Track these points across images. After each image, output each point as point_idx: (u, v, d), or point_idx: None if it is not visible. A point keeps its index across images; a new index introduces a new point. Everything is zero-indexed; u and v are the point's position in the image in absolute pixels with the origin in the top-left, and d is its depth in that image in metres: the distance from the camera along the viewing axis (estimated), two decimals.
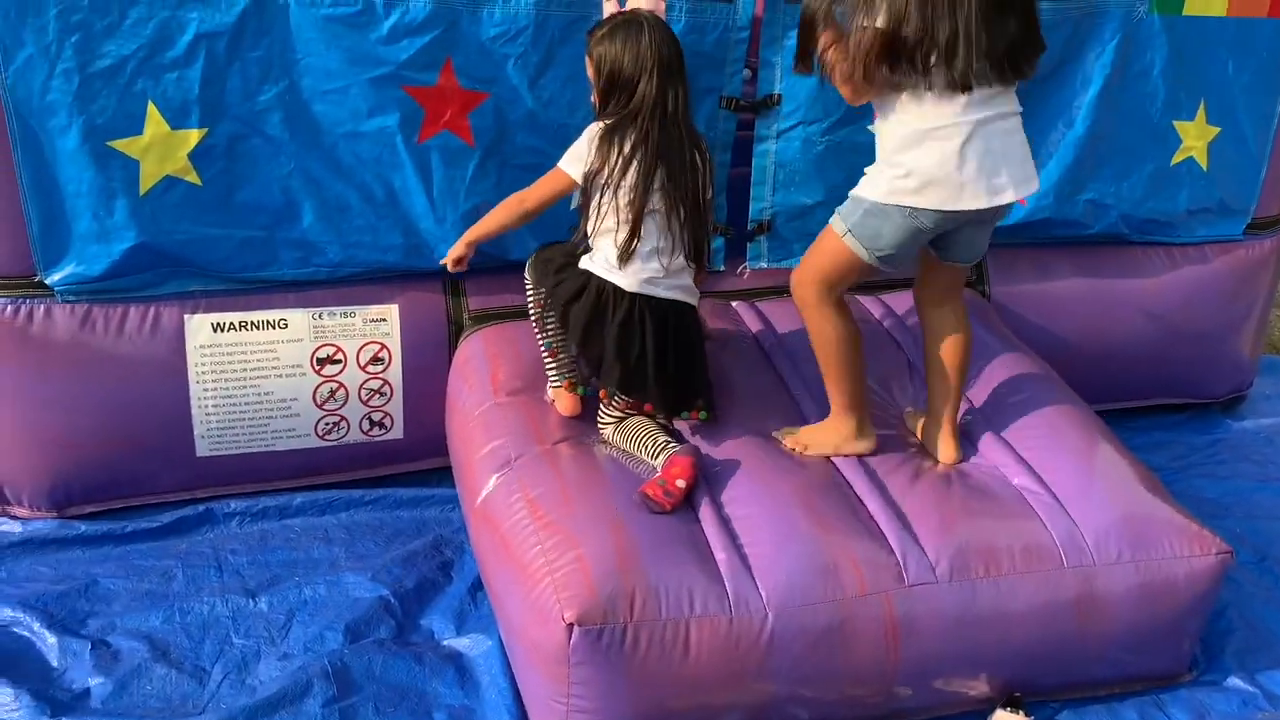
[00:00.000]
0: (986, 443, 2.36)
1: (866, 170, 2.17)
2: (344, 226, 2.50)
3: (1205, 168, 3.01)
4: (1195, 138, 2.97)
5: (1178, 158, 2.98)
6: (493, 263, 2.61)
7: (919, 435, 2.40)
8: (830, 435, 2.30)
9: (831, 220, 2.20)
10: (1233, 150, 3.02)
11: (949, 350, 2.30)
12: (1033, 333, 2.96)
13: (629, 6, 2.25)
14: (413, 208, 2.51)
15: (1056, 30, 2.72)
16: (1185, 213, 3.06)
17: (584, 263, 2.25)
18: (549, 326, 2.34)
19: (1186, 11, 2.82)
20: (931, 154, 2.06)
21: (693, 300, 2.29)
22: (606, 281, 2.21)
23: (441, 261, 2.42)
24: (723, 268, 2.84)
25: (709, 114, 2.64)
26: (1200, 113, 2.94)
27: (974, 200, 2.07)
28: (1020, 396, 2.46)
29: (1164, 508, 2.16)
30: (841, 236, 2.17)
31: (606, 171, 2.16)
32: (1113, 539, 2.08)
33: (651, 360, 2.21)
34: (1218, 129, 2.98)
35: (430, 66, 2.40)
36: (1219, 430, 3.27)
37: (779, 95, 2.66)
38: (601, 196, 2.18)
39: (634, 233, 2.16)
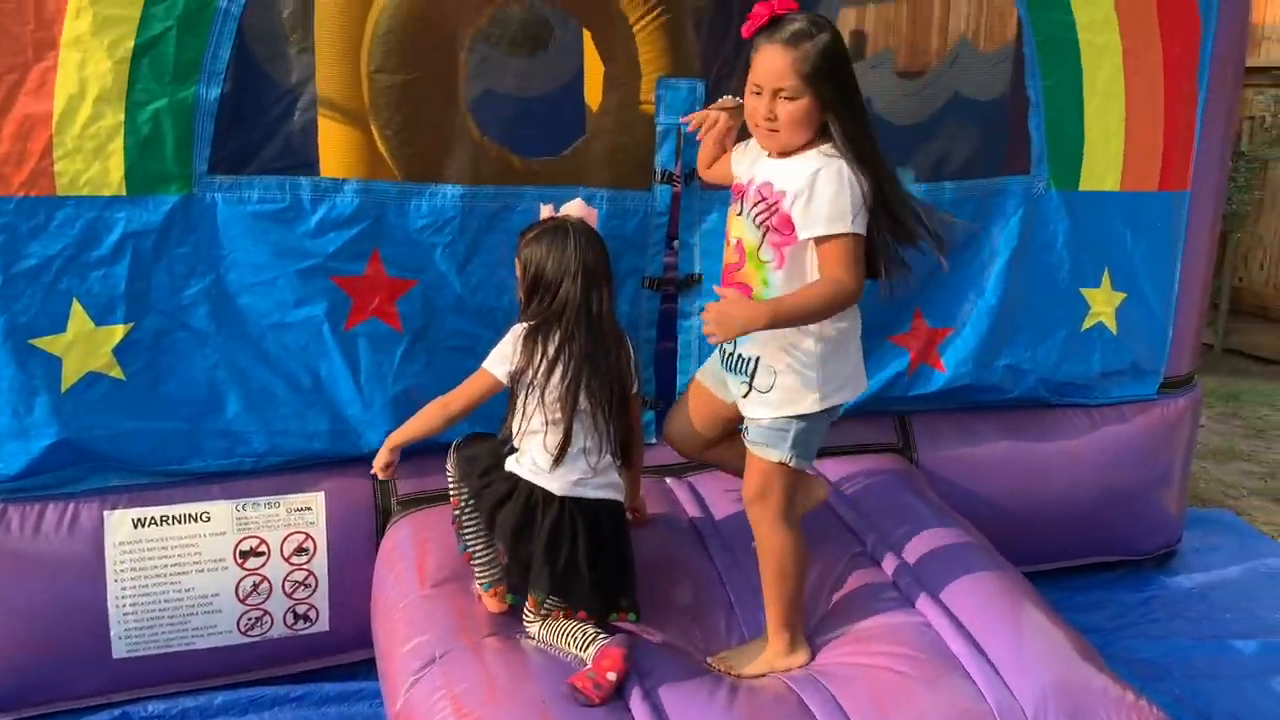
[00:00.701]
0: (923, 605, 2.35)
1: (772, 382, 2.14)
2: (270, 415, 2.49)
3: (1115, 331, 3.13)
4: (1103, 304, 3.09)
5: (1088, 323, 3.10)
6: (422, 445, 2.60)
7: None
8: (766, 655, 2.22)
9: (759, 452, 2.18)
10: (1139, 314, 3.15)
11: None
12: (962, 496, 3.00)
13: (561, 213, 2.32)
14: (339, 394, 2.52)
15: (963, 206, 2.88)
16: (1099, 375, 3.16)
17: (510, 465, 2.23)
18: (468, 528, 2.29)
19: (1083, 187, 3.00)
20: (854, 353, 2.20)
21: (620, 496, 2.27)
22: (535, 485, 2.19)
23: (371, 471, 2.37)
24: (654, 440, 2.86)
25: (633, 294, 2.71)
26: (1105, 280, 3.08)
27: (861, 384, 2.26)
28: (951, 563, 2.46)
29: (1100, 677, 2.14)
30: (782, 462, 2.17)
31: (532, 372, 2.17)
32: (1050, 711, 2.06)
33: (584, 563, 2.18)
34: (1123, 294, 3.12)
35: (358, 257, 2.46)
36: (1152, 587, 3.29)
37: (699, 274, 2.75)
38: (528, 398, 2.19)
39: (566, 437, 2.16)
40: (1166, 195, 3.08)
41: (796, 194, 2.04)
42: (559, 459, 2.17)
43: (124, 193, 2.28)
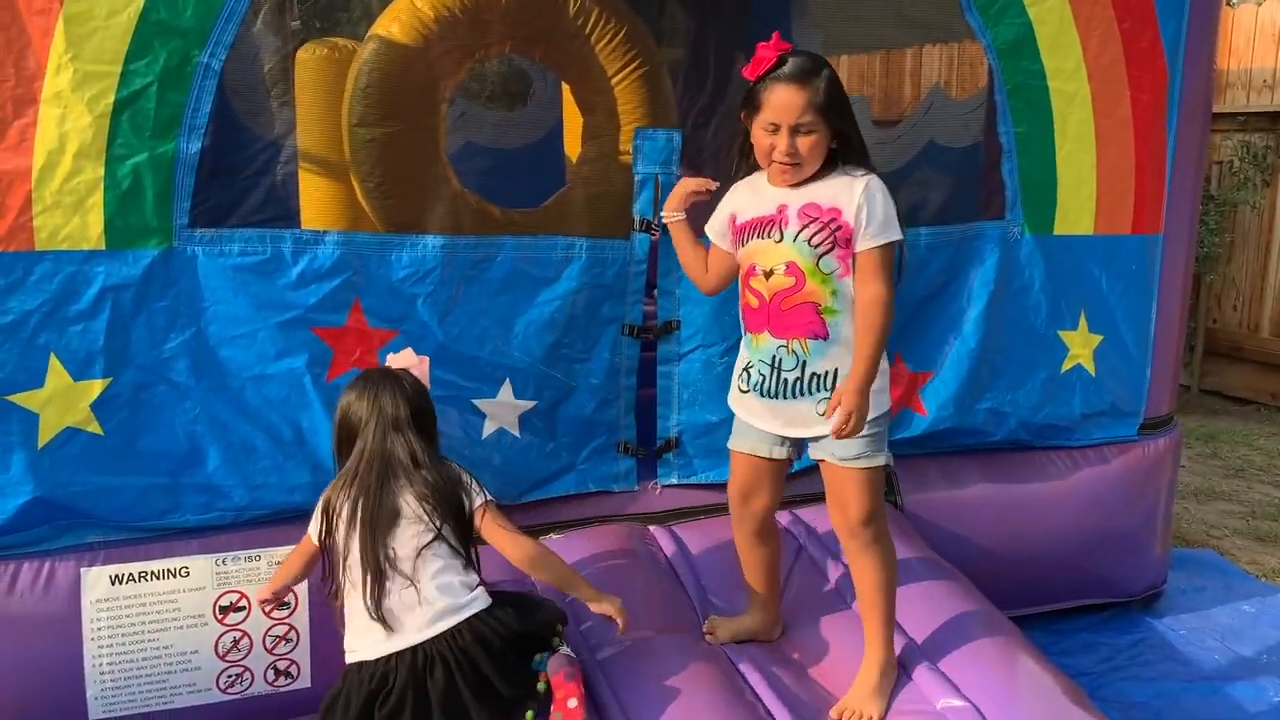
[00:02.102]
0: (909, 660, 2.33)
1: (848, 385, 2.15)
2: (250, 469, 2.47)
3: (1094, 373, 3.16)
4: (1081, 346, 3.12)
5: (1067, 365, 3.12)
6: None
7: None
8: (881, 682, 2.23)
9: (860, 464, 2.23)
10: (1117, 356, 3.18)
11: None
12: (946, 541, 2.99)
13: (389, 363, 2.30)
14: (321, 446, 2.49)
15: (940, 251, 2.91)
16: (1080, 417, 3.18)
17: (348, 658, 2.13)
18: None
19: (1057, 231, 3.04)
20: None
21: (469, 610, 2.10)
22: (365, 662, 2.09)
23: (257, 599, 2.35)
24: (635, 487, 2.85)
25: (613, 340, 2.72)
26: (1082, 322, 3.11)
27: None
28: (937, 610, 2.46)
29: None
30: (885, 465, 2.26)
31: (337, 543, 2.13)
32: None
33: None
34: (1100, 337, 3.14)
35: (339, 308, 2.46)
36: (1140, 629, 3.28)
37: (678, 321, 2.76)
38: (339, 572, 2.14)
39: (377, 594, 2.07)
40: (1140, 239, 3.13)
41: (856, 208, 2.16)
42: (380, 617, 2.07)
43: (103, 247, 2.27)
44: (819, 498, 2.63)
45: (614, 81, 2.98)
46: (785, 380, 2.23)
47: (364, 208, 2.87)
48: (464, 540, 2.17)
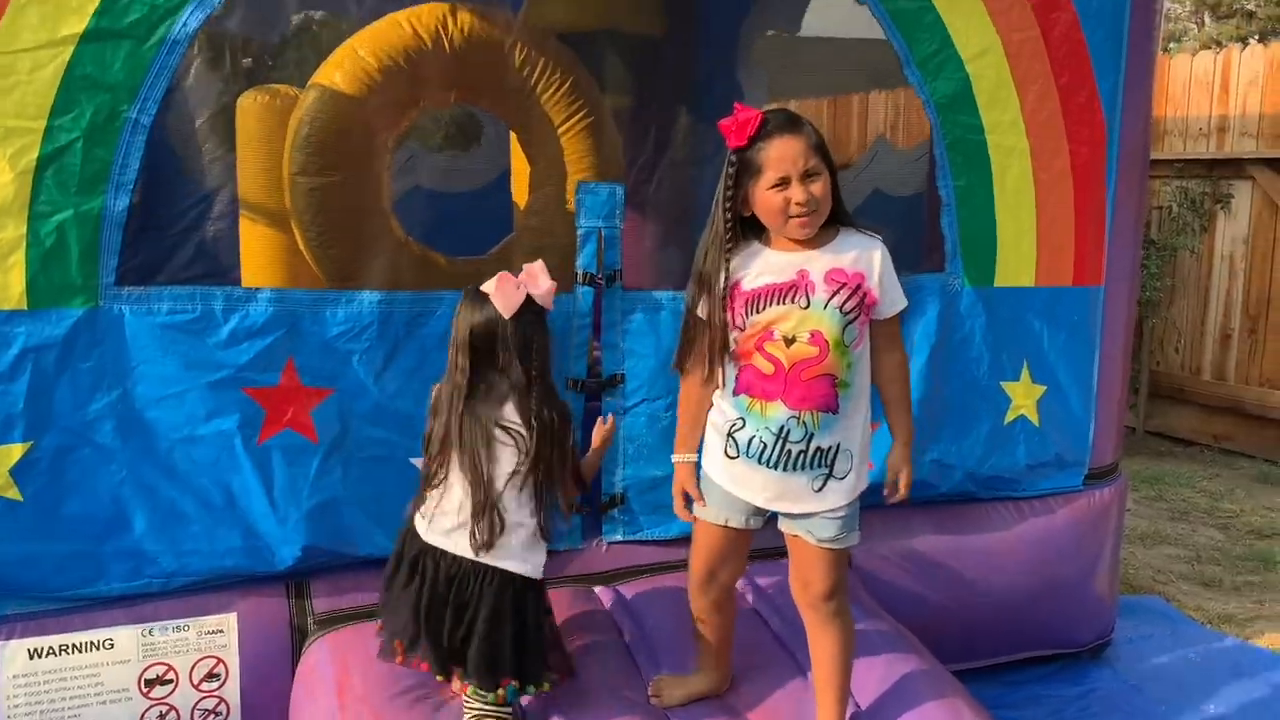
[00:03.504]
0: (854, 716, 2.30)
1: (850, 465, 2.22)
2: (179, 534, 2.39)
3: (1037, 424, 3.16)
4: (1024, 397, 3.13)
5: (1010, 416, 3.12)
6: (339, 560, 2.53)
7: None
8: None
9: (839, 545, 2.23)
10: (1059, 407, 3.19)
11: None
12: (893, 594, 2.97)
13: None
14: (252, 509, 2.42)
15: None
16: (1026, 468, 3.18)
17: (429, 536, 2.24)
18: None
19: (998, 283, 3.05)
20: None
21: (519, 570, 2.20)
22: (412, 532, 2.24)
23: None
24: (580, 545, 2.80)
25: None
26: (1024, 373, 3.12)
27: None
28: (880, 667, 2.43)
29: None
30: (855, 544, 2.28)
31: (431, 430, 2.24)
32: None
33: (423, 608, 2.17)
34: (1043, 388, 3.15)
35: (271, 367, 2.39)
36: (1089, 680, 3.27)
37: (623, 375, 2.73)
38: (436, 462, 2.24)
39: (429, 482, 2.23)
40: (1081, 290, 3.15)
41: (880, 273, 2.18)
42: (441, 510, 2.20)
43: (24, 306, 2.20)
44: (764, 554, 2.61)
45: (560, 132, 2.98)
46: (789, 452, 2.18)
47: (306, 258, 2.83)
48: (550, 484, 2.23)
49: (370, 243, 2.75)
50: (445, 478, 2.21)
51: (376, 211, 2.90)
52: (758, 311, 2.18)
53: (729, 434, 2.24)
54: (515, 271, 2.49)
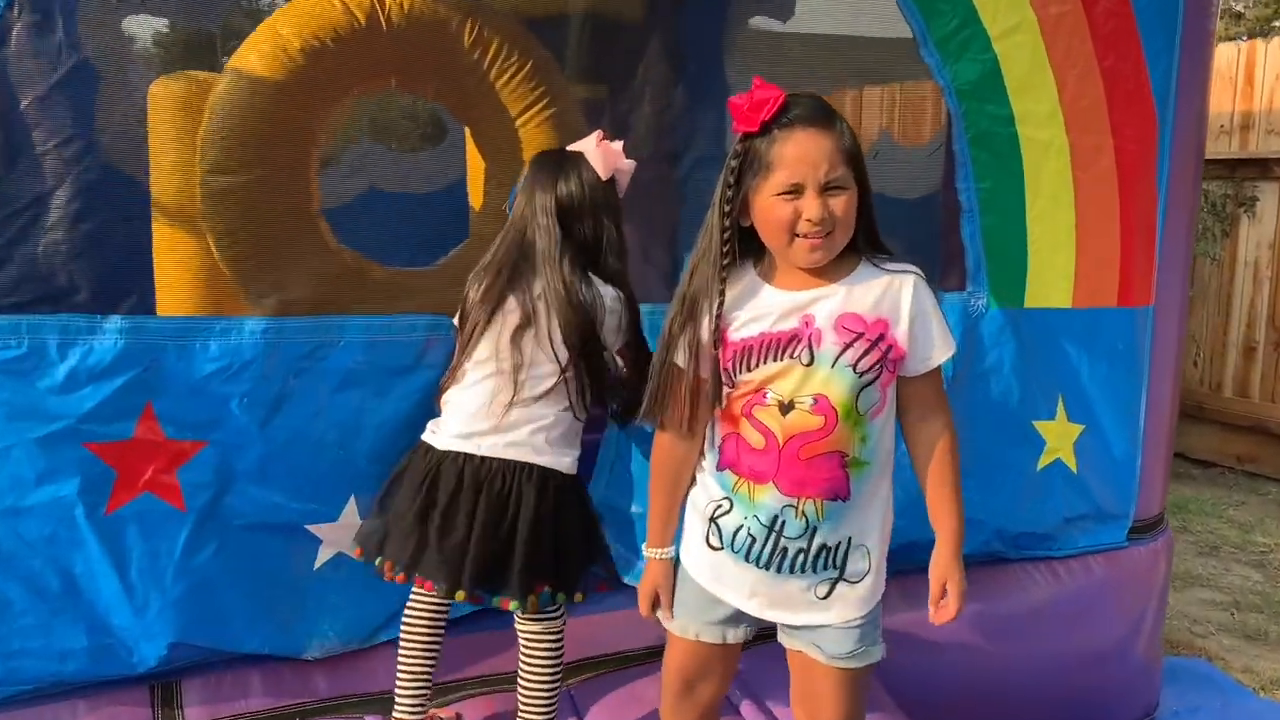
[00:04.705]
0: None
1: (867, 564, 1.74)
2: (4, 630, 1.88)
3: (1075, 470, 2.69)
4: (1059, 438, 2.65)
5: (1043, 461, 2.65)
6: (215, 657, 2.02)
7: None
8: None
9: (857, 662, 1.75)
10: (1100, 449, 2.71)
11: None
12: (910, 674, 2.48)
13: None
14: (101, 598, 1.92)
15: None
16: (1061, 522, 2.71)
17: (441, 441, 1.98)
18: None
19: (1029, 304, 2.58)
20: None
21: (553, 465, 1.94)
22: (424, 442, 1.97)
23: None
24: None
25: None
26: (1060, 410, 2.64)
27: None
28: None
29: None
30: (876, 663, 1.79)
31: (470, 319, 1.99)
32: None
33: (436, 520, 1.89)
34: (1081, 427, 2.67)
35: (123, 416, 1.89)
36: None
37: None
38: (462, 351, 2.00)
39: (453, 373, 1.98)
40: (1127, 312, 2.67)
41: (910, 319, 1.66)
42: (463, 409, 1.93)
43: None
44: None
45: (518, 123, 2.56)
46: (785, 550, 1.69)
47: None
48: (592, 380, 1.96)
49: (293, 253, 2.28)
50: (471, 369, 1.95)
51: (301, 216, 2.45)
52: (748, 369, 1.67)
53: (712, 518, 1.74)
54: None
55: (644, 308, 2.19)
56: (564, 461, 1.95)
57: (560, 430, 1.95)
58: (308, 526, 2.03)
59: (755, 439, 1.67)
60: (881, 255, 1.68)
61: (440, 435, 1.95)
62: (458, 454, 1.91)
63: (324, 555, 2.07)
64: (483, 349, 1.93)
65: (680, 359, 1.71)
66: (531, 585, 1.89)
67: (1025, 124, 2.49)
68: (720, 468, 1.73)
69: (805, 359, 1.64)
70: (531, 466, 1.91)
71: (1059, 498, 2.68)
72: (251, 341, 1.95)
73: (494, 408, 1.91)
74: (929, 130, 3.55)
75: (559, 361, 1.91)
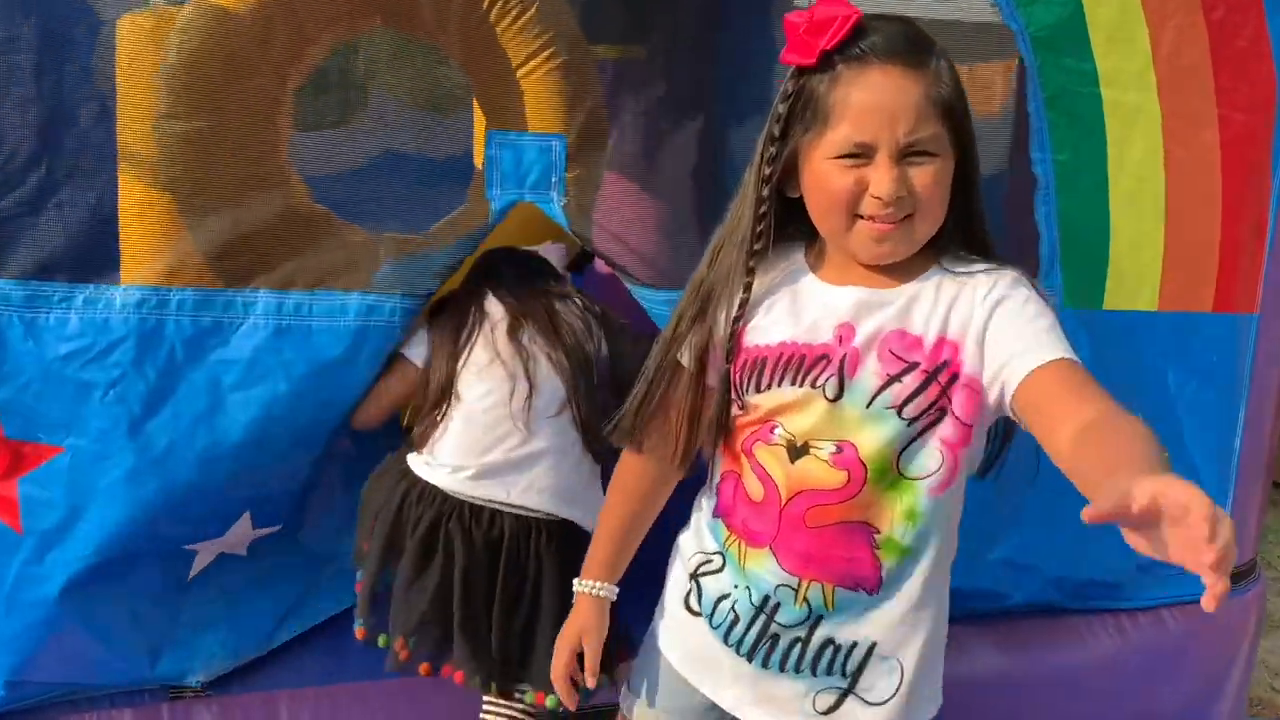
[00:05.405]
0: None
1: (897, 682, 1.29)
2: None
3: None
4: None
5: None
6: (75, 695, 1.65)
7: None
8: None
9: None
10: (1186, 480, 2.27)
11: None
12: None
13: None
14: None
15: None
16: (1134, 569, 2.30)
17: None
18: None
19: (1107, 305, 2.16)
20: None
21: (573, 516, 1.71)
22: (420, 479, 1.71)
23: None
24: None
25: None
26: None
27: None
28: None
29: None
30: None
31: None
32: None
33: (456, 593, 1.64)
34: (1164, 453, 2.23)
35: None
36: None
37: None
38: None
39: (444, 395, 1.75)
40: (1224, 319, 2.24)
41: (985, 316, 1.19)
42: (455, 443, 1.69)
43: None
44: None
45: (520, 74, 2.17)
46: (776, 637, 1.27)
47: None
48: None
49: (259, 211, 1.92)
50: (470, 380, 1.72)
51: (269, 168, 2.10)
52: (756, 388, 1.25)
53: (695, 574, 1.33)
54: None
55: (663, 295, 1.78)
56: (590, 516, 1.65)
57: (586, 468, 1.75)
58: (186, 546, 1.63)
59: (754, 487, 1.26)
60: (973, 257, 1.24)
61: (435, 469, 1.69)
62: (463, 504, 1.66)
63: (200, 563, 1.68)
64: (480, 353, 1.73)
65: (685, 359, 1.30)
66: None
67: (1111, 84, 2.07)
68: (715, 514, 1.32)
69: (831, 390, 1.21)
70: (555, 523, 1.68)
71: None
72: (123, 317, 1.55)
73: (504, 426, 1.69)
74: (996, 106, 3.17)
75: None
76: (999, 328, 1.17)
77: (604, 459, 1.73)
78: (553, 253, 1.96)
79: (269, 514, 1.68)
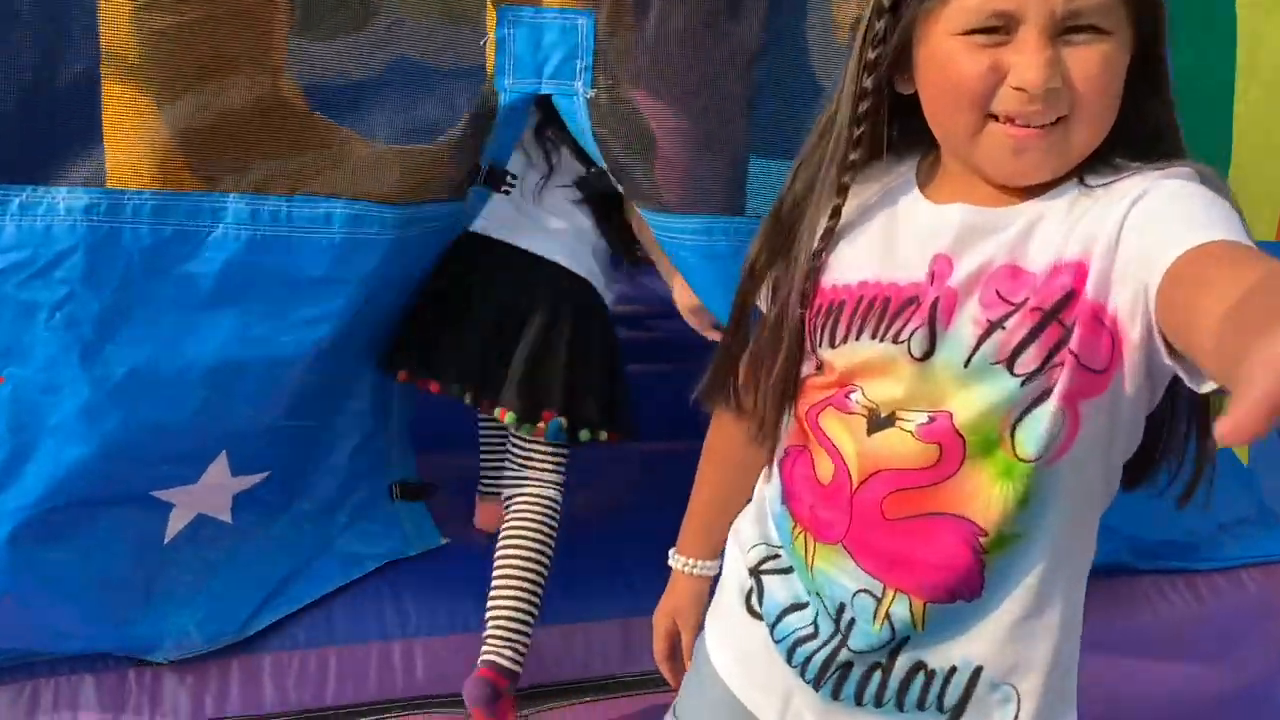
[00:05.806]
0: None
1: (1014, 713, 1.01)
2: None
3: (1245, 460, 2.05)
4: None
5: None
6: (31, 659, 1.48)
7: None
8: None
9: None
10: None
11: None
12: None
13: None
14: None
15: None
16: (1216, 527, 2.09)
17: None
18: None
19: None
20: None
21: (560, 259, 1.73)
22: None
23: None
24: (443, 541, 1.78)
25: None
26: None
27: None
28: None
29: None
30: None
31: None
32: None
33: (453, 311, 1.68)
34: None
35: None
36: None
37: None
38: None
39: None
40: None
41: (1112, 236, 0.87)
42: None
43: None
44: None
45: None
46: (848, 666, 1.02)
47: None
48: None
49: (250, 117, 1.65)
50: None
51: (260, 70, 1.82)
52: (830, 342, 0.99)
53: (757, 569, 1.09)
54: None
55: (690, 222, 1.50)
56: (582, 268, 1.74)
57: (602, 249, 1.78)
58: (154, 493, 1.42)
59: (823, 465, 1.01)
60: (1130, 164, 0.93)
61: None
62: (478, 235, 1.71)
63: (176, 524, 1.48)
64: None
65: (765, 305, 1.06)
66: (539, 410, 1.65)
67: None
68: (783, 499, 1.07)
69: (919, 346, 0.93)
70: (565, 272, 1.71)
71: (1217, 496, 2.02)
72: (68, 224, 1.30)
73: (524, 189, 1.73)
74: None
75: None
76: (1135, 227, 0.85)
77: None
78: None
79: (248, 456, 1.47)
